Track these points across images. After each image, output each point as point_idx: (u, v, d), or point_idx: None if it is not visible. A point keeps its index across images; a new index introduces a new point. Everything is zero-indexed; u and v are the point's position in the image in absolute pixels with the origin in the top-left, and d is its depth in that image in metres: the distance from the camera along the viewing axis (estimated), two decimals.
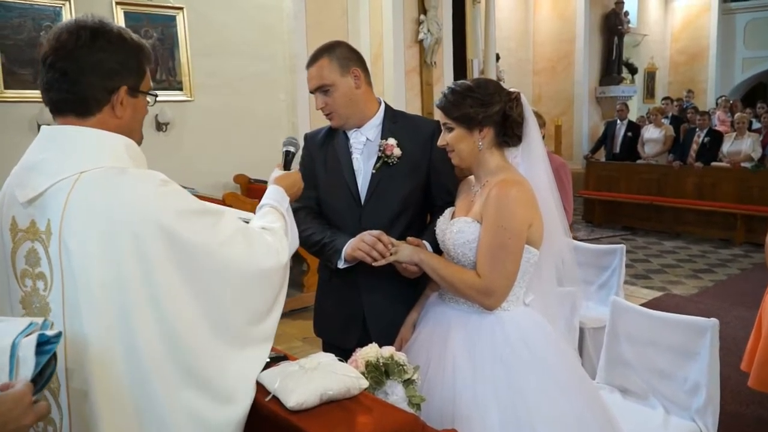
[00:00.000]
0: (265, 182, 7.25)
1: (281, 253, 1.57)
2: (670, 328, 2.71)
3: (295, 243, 1.76)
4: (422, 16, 7.16)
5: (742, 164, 8.52)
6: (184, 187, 1.44)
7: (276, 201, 1.78)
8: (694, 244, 8.67)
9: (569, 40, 11.40)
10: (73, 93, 1.37)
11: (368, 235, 2.14)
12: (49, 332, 1.10)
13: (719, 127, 9.83)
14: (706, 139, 8.91)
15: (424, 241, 2.23)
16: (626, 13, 11.86)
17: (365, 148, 2.32)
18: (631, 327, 2.83)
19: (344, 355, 1.72)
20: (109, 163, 1.35)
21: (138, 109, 1.47)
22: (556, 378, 1.98)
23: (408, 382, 1.67)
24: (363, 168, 2.31)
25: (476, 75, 7.96)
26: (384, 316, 2.28)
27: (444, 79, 7.58)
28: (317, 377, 1.42)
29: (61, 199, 1.31)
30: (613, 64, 11.72)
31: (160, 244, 1.29)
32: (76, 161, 1.34)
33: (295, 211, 2.46)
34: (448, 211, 2.21)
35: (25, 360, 1.07)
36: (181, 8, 6.45)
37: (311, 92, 2.30)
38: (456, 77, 7.66)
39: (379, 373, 1.62)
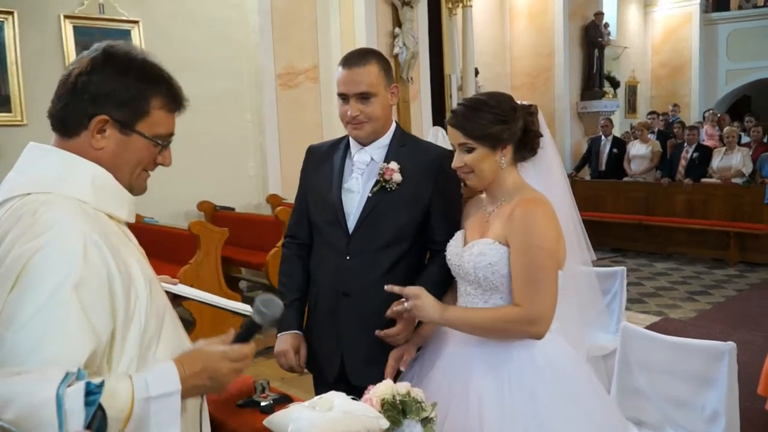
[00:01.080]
0: (232, 209, 7.12)
1: None
2: (684, 353, 2.73)
3: None
4: (397, 30, 7.25)
5: (733, 180, 8.74)
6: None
7: (144, 382, 1.23)
8: (687, 264, 8.82)
9: (548, 53, 11.61)
10: (59, 110, 1.40)
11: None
12: (95, 380, 1.07)
13: (707, 142, 10.08)
14: (694, 155, 9.13)
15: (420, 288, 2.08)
16: (606, 25, 12.15)
17: (367, 169, 2.30)
18: (644, 354, 2.84)
19: (329, 388, 1.71)
20: (61, 190, 1.32)
21: (129, 149, 1.42)
22: (587, 412, 1.98)
23: (426, 421, 1.64)
24: (361, 189, 2.29)
25: (454, 90, 8.05)
26: (360, 349, 2.27)
27: (421, 95, 7.66)
28: (334, 420, 1.38)
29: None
30: (594, 77, 11.95)
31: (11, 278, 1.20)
32: (30, 182, 1.33)
33: (286, 246, 2.48)
34: (459, 235, 2.19)
35: (73, 412, 1.03)
36: (136, 22, 6.41)
37: (345, 96, 2.23)
38: (434, 93, 7.75)
39: (396, 411, 1.58)
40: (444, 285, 2.25)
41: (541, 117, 2.11)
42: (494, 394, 1.96)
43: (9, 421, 1.00)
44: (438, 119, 7.85)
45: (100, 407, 1.08)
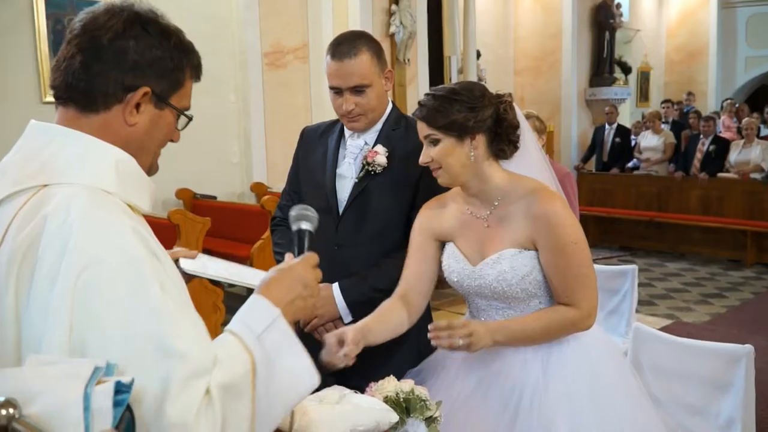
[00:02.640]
0: (212, 198, 7.13)
1: None
2: (699, 356, 2.81)
3: (289, 399, 1.28)
4: (394, 7, 7.28)
5: (751, 175, 8.84)
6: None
7: (244, 324, 1.27)
8: (701, 265, 8.93)
9: (555, 35, 11.67)
10: (80, 78, 1.28)
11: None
12: (125, 379, 1.05)
13: (724, 134, 10.19)
14: (711, 148, 9.21)
15: (334, 286, 2.24)
16: (618, 6, 12.22)
17: (360, 154, 2.38)
18: (656, 357, 2.92)
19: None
20: (83, 180, 1.24)
21: (160, 124, 1.36)
22: (627, 409, 2.06)
23: (430, 420, 1.70)
24: (353, 174, 2.37)
25: (454, 74, 8.11)
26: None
27: (418, 78, 7.70)
28: (343, 412, 1.44)
29: (11, 213, 1.24)
30: (604, 62, 12.04)
31: (69, 297, 1.13)
32: (43, 170, 1.25)
33: (275, 225, 2.53)
34: (455, 252, 2.15)
35: (101, 412, 1.01)
36: None
37: (338, 89, 2.28)
38: (432, 76, 7.79)
39: (400, 409, 1.64)
40: None
41: (518, 110, 2.10)
42: (531, 390, 2.01)
43: (32, 415, 1.00)
44: None
45: (129, 409, 1.06)
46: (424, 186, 2.31)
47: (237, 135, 7.18)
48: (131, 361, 1.11)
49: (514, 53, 12.05)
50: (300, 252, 1.59)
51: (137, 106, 1.31)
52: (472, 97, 2.01)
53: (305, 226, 1.64)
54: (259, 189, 6.92)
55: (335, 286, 2.28)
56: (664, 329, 6.16)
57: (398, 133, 2.36)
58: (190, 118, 1.42)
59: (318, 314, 2.24)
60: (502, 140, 2.07)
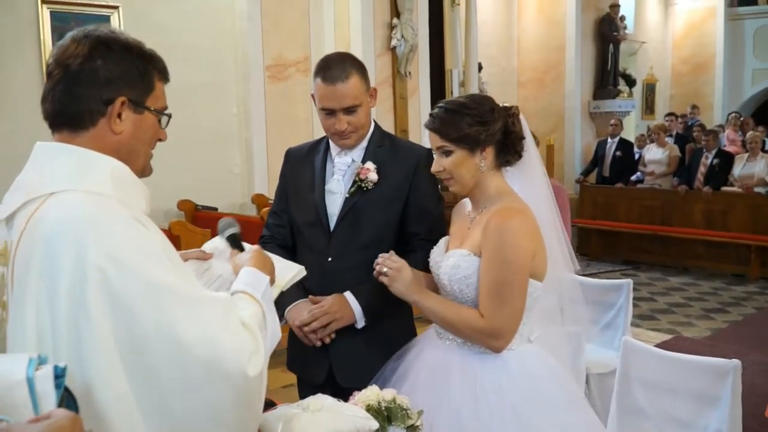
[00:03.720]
0: (213, 209, 7.18)
1: (253, 359, 1.39)
2: (687, 371, 2.87)
3: (275, 340, 1.59)
4: (395, 20, 7.39)
5: (756, 189, 8.90)
6: None
7: (250, 285, 1.61)
8: (705, 280, 8.99)
9: (559, 47, 11.76)
10: (65, 104, 1.46)
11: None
12: (61, 365, 1.20)
13: (729, 147, 10.25)
14: (715, 161, 9.29)
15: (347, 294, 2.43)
16: (622, 18, 12.32)
17: (348, 170, 2.53)
18: (645, 370, 2.98)
19: (314, 391, 1.89)
20: (83, 186, 1.41)
21: (143, 127, 1.53)
22: (569, 425, 2.12)
23: (412, 429, 1.78)
24: (343, 190, 2.52)
25: (456, 86, 8.20)
26: (349, 352, 2.46)
27: (420, 91, 7.80)
28: (325, 419, 1.52)
29: (23, 221, 1.40)
30: (608, 74, 12.12)
31: (100, 292, 1.30)
32: (50, 181, 1.42)
33: (263, 243, 2.66)
34: (443, 241, 2.36)
35: (45, 394, 1.17)
36: (116, 7, 6.54)
37: (330, 111, 2.42)
38: (433, 89, 7.89)
39: (381, 418, 1.72)
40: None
41: (524, 120, 2.27)
42: (471, 408, 2.11)
43: None
44: None
45: (67, 390, 1.22)
46: (413, 199, 2.50)
47: (239, 146, 7.29)
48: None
49: (517, 65, 12.14)
50: (239, 248, 1.89)
51: (119, 115, 1.49)
52: (482, 111, 2.17)
53: (231, 231, 1.93)
54: (260, 200, 7.01)
55: (348, 293, 2.44)
56: (664, 344, 6.23)
57: (384, 150, 2.52)
58: (169, 116, 1.59)
59: (336, 318, 2.40)
60: (509, 151, 2.23)
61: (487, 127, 2.16)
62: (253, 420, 1.45)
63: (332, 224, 2.50)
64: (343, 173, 2.53)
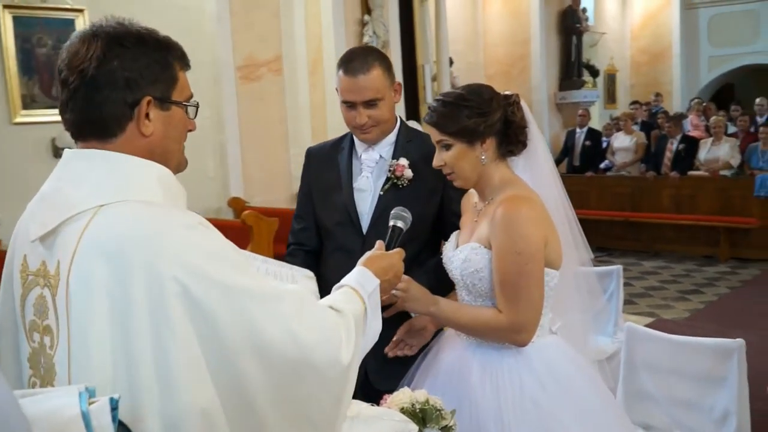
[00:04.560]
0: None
1: (344, 346, 1.36)
2: (692, 353, 2.85)
3: (372, 340, 1.58)
4: (366, 17, 7.33)
5: (721, 172, 9.03)
6: None
7: (357, 282, 1.61)
8: (676, 262, 9.08)
9: (524, 41, 11.81)
10: (88, 113, 1.34)
11: None
12: (116, 396, 1.12)
13: (692, 133, 10.39)
14: (680, 147, 9.39)
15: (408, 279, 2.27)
16: (584, 10, 12.42)
17: (377, 167, 2.44)
18: (650, 355, 2.96)
19: None
20: (135, 196, 1.31)
21: (173, 123, 1.42)
22: (593, 416, 2.07)
23: (446, 429, 1.71)
24: (372, 188, 2.42)
25: (428, 82, 8.15)
26: (382, 353, 2.31)
27: None
28: (363, 426, 1.45)
29: (74, 238, 1.27)
30: (572, 66, 12.21)
31: (180, 303, 1.22)
32: (95, 192, 1.30)
33: (290, 255, 2.57)
34: (454, 236, 2.28)
35: (102, 428, 1.08)
36: (81, 10, 6.35)
37: (351, 103, 2.34)
38: (406, 85, 7.81)
39: (416, 420, 1.66)
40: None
41: (525, 107, 2.17)
42: (492, 404, 2.04)
43: None
44: (411, 112, 7.93)
45: (122, 424, 1.15)
46: (452, 194, 2.38)
47: (212, 149, 7.12)
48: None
49: (484, 59, 12.16)
50: (391, 244, 1.95)
51: (147, 116, 1.37)
52: (481, 101, 2.07)
53: (400, 224, 2.00)
54: (236, 204, 6.88)
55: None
56: (646, 327, 6.27)
57: (414, 145, 2.42)
58: (197, 105, 1.49)
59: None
60: (511, 141, 2.14)
61: (486, 118, 2.06)
62: (341, 418, 1.40)
63: (364, 223, 2.40)
64: (371, 170, 2.44)
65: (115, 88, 1.33)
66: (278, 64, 7.30)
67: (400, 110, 7.67)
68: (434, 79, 8.38)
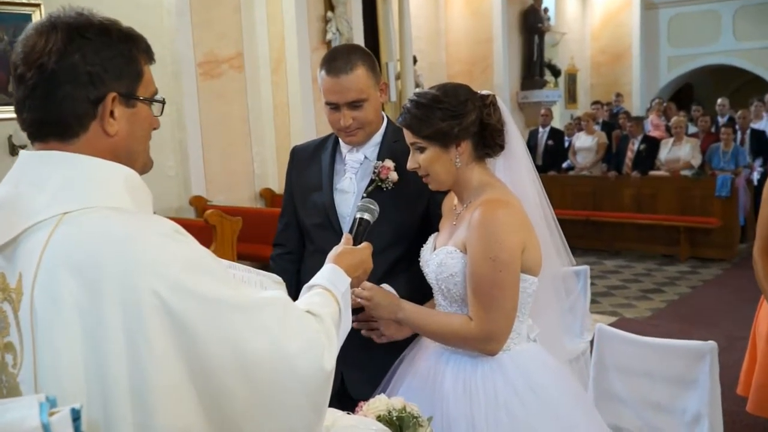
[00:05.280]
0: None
1: (326, 352, 1.31)
2: (664, 355, 2.84)
3: (343, 340, 1.54)
4: (329, 14, 7.24)
5: (682, 172, 9.13)
6: None
7: (330, 282, 1.58)
8: (637, 261, 9.17)
9: (486, 40, 11.83)
10: (48, 111, 1.24)
11: None
12: (77, 406, 1.04)
13: (653, 133, 10.52)
14: (641, 147, 9.48)
15: (386, 286, 2.20)
16: (546, 10, 12.50)
17: (361, 168, 2.36)
18: (621, 357, 2.94)
19: None
20: (102, 202, 1.22)
21: (138, 121, 1.32)
22: (571, 428, 2.02)
23: None
24: (355, 190, 2.34)
25: (392, 80, 8.10)
26: (361, 360, 2.25)
27: None
28: None
29: (37, 249, 1.18)
30: (534, 65, 12.28)
31: (158, 317, 1.13)
32: (57, 198, 1.20)
33: (277, 257, 2.51)
34: (432, 238, 2.21)
35: None
36: (37, 5, 6.16)
37: (334, 105, 2.25)
38: None
39: (393, 428, 1.60)
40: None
41: (503, 107, 2.10)
42: (465, 413, 1.98)
43: None
44: None
45: None
46: (438, 197, 2.30)
47: (172, 147, 6.97)
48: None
49: (446, 58, 12.16)
50: (358, 237, 1.91)
51: (111, 114, 1.27)
52: (456, 102, 1.99)
53: (367, 216, 1.95)
54: (198, 202, 6.75)
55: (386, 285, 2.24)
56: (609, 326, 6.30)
57: (401, 145, 2.28)
58: (163, 102, 1.39)
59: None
60: (488, 143, 2.07)
61: (460, 120, 1.99)
62: (320, 427, 1.34)
63: (344, 226, 2.31)
64: (355, 171, 2.36)
65: (78, 84, 1.23)
66: (239, 61, 7.18)
67: None
68: (398, 77, 8.33)
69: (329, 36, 7.22)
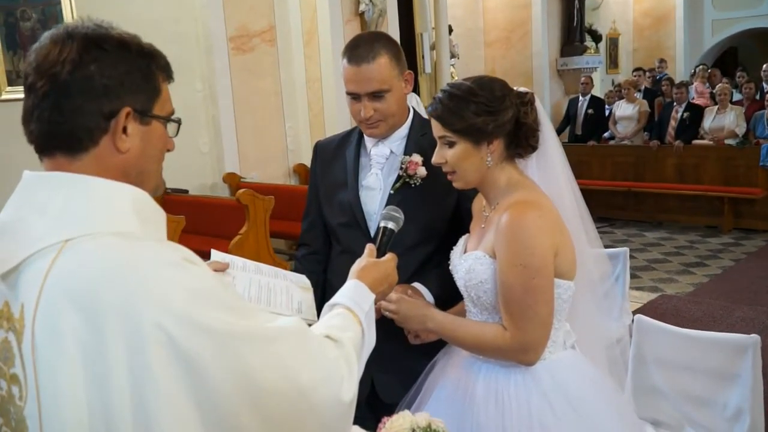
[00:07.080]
0: (184, 192, 6.85)
1: (345, 382, 1.26)
2: (705, 348, 2.74)
3: (367, 356, 1.51)
4: None
5: (726, 141, 8.86)
6: None
7: (353, 301, 1.52)
8: (679, 233, 8.96)
9: (524, 5, 11.55)
10: (56, 123, 1.17)
11: None
12: None
13: (697, 100, 10.18)
14: (685, 115, 9.20)
15: (418, 285, 2.14)
16: None
17: (387, 163, 2.26)
18: (661, 349, 2.85)
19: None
20: (105, 227, 1.15)
21: (152, 140, 1.25)
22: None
23: None
24: (382, 185, 2.25)
25: (427, 50, 7.95)
26: (391, 364, 2.17)
27: None
28: None
29: (38, 279, 1.12)
30: (574, 31, 11.96)
31: (163, 352, 1.07)
32: (59, 224, 1.14)
33: (302, 257, 2.44)
34: (462, 240, 2.11)
35: None
36: None
37: (355, 95, 2.16)
38: (405, 54, 7.62)
39: None
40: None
41: (540, 107, 1.99)
42: (495, 426, 1.90)
43: None
44: None
45: None
46: (469, 193, 2.20)
47: (206, 124, 6.95)
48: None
49: (483, 25, 11.91)
50: (382, 248, 1.82)
51: (124, 129, 1.20)
52: (492, 98, 1.89)
53: (391, 225, 1.86)
54: (231, 179, 6.73)
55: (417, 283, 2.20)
56: (650, 304, 6.17)
57: (428, 139, 2.16)
58: (179, 122, 1.31)
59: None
60: (521, 144, 1.96)
61: (496, 117, 1.88)
62: None
63: (371, 224, 2.21)
64: (381, 166, 2.26)
65: (91, 96, 1.17)
66: (271, 35, 7.09)
67: None
68: (433, 47, 8.17)
69: (362, 7, 7.09)
